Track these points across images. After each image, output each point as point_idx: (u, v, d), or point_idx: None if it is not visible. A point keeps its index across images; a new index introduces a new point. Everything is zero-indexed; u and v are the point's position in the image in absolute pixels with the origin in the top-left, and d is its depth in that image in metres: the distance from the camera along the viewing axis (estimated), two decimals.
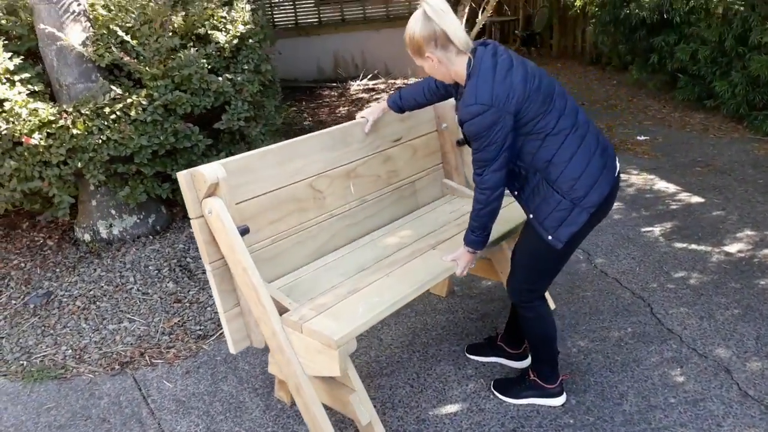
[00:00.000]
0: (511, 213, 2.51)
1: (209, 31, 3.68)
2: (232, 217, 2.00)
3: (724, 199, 4.02)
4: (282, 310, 2.04)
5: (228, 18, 3.76)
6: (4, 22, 3.30)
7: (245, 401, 2.43)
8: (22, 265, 3.56)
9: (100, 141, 3.26)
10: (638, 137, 5.49)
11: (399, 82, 9.11)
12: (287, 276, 2.27)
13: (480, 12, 8.87)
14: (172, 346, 2.82)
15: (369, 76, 9.16)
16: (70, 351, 2.82)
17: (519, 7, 11.52)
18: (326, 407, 2.09)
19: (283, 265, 2.29)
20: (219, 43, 3.68)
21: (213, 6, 3.75)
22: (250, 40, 3.84)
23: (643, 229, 3.69)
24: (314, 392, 2.02)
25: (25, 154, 3.19)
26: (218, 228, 1.99)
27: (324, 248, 2.42)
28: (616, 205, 4.06)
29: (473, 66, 1.90)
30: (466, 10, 8.35)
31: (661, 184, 4.37)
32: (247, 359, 2.68)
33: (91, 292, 3.23)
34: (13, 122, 3.12)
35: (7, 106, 3.14)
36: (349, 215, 2.52)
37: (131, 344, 2.84)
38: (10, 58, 3.19)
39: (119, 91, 3.30)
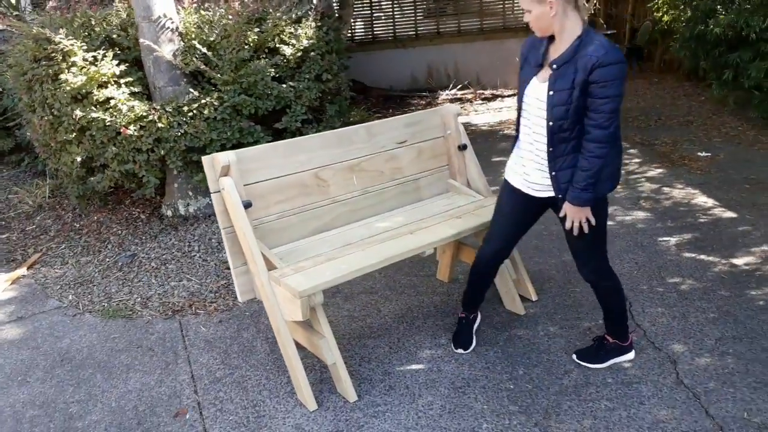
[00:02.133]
0: None
1: (278, 45, 4.35)
2: (239, 193, 2.58)
3: (758, 216, 4.06)
4: (272, 269, 2.59)
5: (294, 33, 4.40)
6: (116, 36, 4.15)
7: (256, 346, 3.01)
8: (119, 232, 4.41)
9: (179, 134, 4.00)
10: (699, 153, 5.49)
11: (487, 92, 9.45)
12: (289, 244, 2.82)
13: None
14: (215, 301, 3.47)
15: (459, 87, 9.57)
16: (139, 299, 3.55)
17: (626, 20, 11.43)
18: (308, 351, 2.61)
19: (287, 235, 2.83)
20: (285, 55, 4.33)
21: (283, 23, 4.41)
22: (312, 53, 4.46)
23: (660, 239, 3.86)
24: (290, 334, 2.55)
25: (123, 142, 4.00)
26: (228, 201, 2.58)
27: (325, 227, 2.93)
28: (643, 215, 4.23)
29: (589, 30, 2.15)
30: None
31: (701, 199, 4.45)
32: (267, 316, 3.25)
33: (164, 256, 3.99)
34: (116, 116, 3.94)
35: (112, 103, 3.97)
36: (351, 202, 3.02)
37: (184, 297, 3.52)
38: (118, 65, 4.03)
39: (196, 93, 4.04)
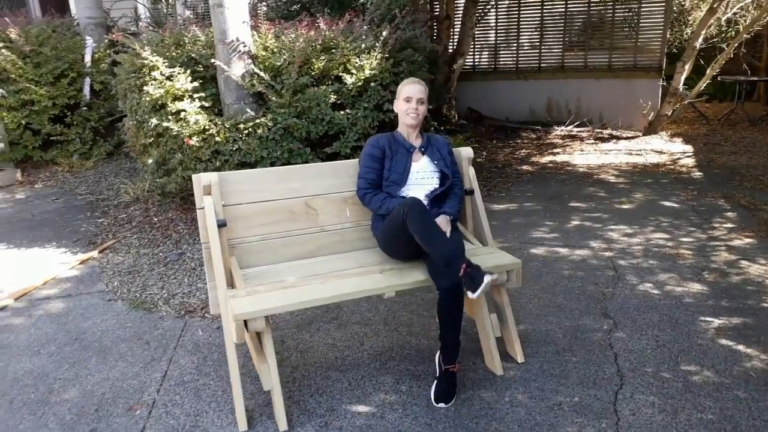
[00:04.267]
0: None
1: (341, 74, 4.51)
2: (216, 212, 2.75)
3: None
4: (234, 287, 2.72)
5: (359, 64, 4.54)
6: (194, 55, 4.57)
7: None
8: (181, 230, 4.83)
9: (234, 149, 4.31)
10: None
11: (606, 132, 8.93)
12: (265, 266, 2.94)
13: (709, 68, 8.29)
14: None
15: (576, 123, 9.16)
16: (166, 295, 3.88)
17: None
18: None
19: (266, 257, 2.96)
20: (346, 83, 4.48)
21: (351, 54, 4.57)
22: (373, 84, 4.57)
23: (702, 318, 3.44)
24: (235, 352, 2.65)
25: (187, 150, 4.39)
26: (207, 218, 2.76)
27: (308, 254, 3.02)
28: (698, 288, 3.79)
29: None
30: (686, 66, 7.94)
31: None
32: None
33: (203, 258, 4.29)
34: (183, 127, 4.34)
35: (182, 115, 4.38)
36: (339, 233, 3.08)
37: (201, 300, 3.78)
38: (192, 81, 4.43)
39: (252, 113, 4.32)
